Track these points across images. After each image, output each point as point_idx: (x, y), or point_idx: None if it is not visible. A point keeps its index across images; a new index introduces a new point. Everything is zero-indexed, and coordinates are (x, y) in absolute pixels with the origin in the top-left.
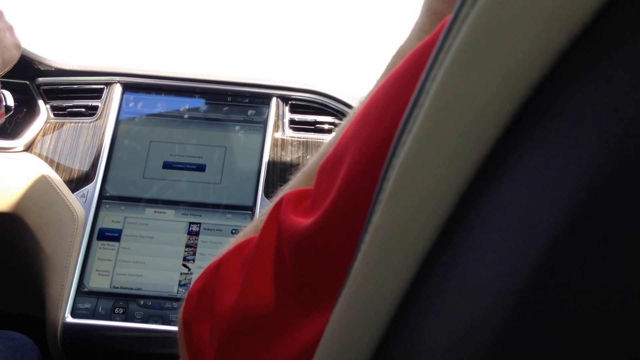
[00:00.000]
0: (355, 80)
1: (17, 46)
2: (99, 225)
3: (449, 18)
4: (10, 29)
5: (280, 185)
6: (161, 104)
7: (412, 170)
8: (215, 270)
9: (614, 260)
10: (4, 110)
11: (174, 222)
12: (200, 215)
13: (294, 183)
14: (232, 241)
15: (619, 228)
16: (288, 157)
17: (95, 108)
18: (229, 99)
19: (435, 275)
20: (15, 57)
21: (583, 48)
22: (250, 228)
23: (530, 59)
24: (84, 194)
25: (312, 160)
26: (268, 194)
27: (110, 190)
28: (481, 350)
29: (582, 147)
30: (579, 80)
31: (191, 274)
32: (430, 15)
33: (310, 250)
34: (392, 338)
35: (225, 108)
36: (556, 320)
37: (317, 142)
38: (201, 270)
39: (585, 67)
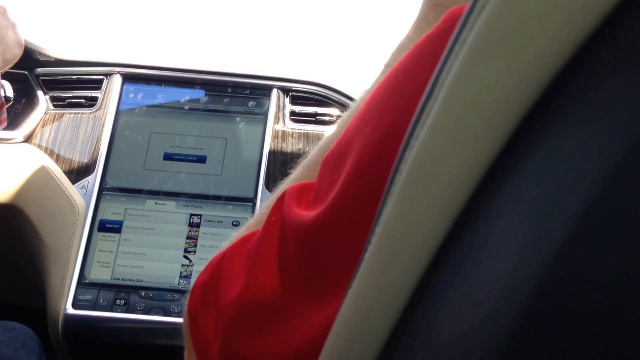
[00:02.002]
0: (355, 73)
1: (20, 44)
2: (99, 217)
3: (455, 10)
4: (13, 26)
5: (281, 177)
6: (161, 95)
7: (426, 164)
8: (219, 263)
9: (628, 255)
10: (3, 100)
11: (175, 214)
12: (201, 207)
13: (295, 176)
14: (235, 235)
15: (634, 222)
16: (289, 148)
17: (95, 99)
18: (230, 90)
19: (447, 269)
20: (17, 55)
21: (603, 40)
22: (252, 222)
23: (548, 52)
24: (84, 185)
25: (313, 154)
26: (269, 185)
27: (111, 182)
28: (494, 343)
29: (598, 141)
30: (596, 74)
31: (192, 265)
32: (436, 7)
33: (314, 242)
34: (403, 329)
35: (226, 99)
36: (570, 315)
37: (317, 134)
38: (202, 262)
39: (605, 60)
